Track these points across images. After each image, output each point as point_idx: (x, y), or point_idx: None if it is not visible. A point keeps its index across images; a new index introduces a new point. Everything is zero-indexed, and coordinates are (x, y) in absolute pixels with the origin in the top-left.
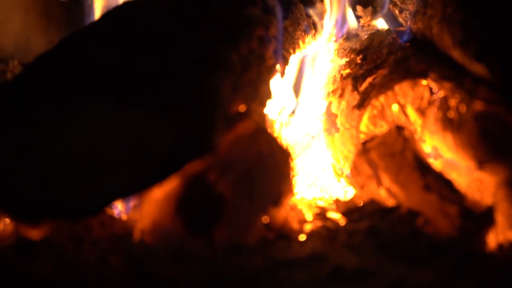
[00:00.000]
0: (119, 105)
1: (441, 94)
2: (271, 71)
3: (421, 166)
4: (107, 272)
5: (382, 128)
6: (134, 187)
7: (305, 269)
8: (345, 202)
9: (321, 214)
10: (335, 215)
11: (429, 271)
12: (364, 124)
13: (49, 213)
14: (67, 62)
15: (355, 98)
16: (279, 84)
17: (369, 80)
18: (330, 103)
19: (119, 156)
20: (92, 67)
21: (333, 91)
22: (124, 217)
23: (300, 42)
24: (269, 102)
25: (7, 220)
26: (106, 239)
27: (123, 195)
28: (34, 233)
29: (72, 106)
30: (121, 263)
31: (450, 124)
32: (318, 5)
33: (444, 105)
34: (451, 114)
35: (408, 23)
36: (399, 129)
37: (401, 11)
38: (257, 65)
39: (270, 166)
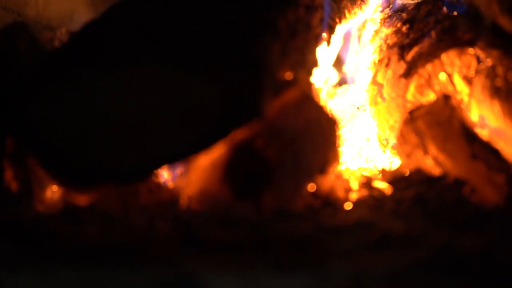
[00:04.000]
0: (166, 70)
1: (488, 62)
2: (317, 40)
3: (468, 134)
4: (154, 236)
5: (429, 97)
6: (182, 153)
7: (352, 235)
8: (391, 172)
9: (367, 183)
10: (381, 184)
11: (476, 238)
12: (411, 93)
13: (98, 178)
14: (115, 28)
15: (402, 67)
16: (325, 53)
17: (415, 49)
18: (375, 73)
19: (167, 122)
20: (140, 33)
21: (379, 61)
22: (170, 185)
23: (346, 12)
24: (315, 71)
25: (55, 187)
26: (153, 206)
27: (171, 160)
28: (82, 199)
29: (120, 71)
30: (168, 228)
31: (497, 92)
32: None
33: (491, 73)
34: (499, 82)
35: None
36: (446, 97)
37: None
38: (304, 32)
39: (316, 133)
